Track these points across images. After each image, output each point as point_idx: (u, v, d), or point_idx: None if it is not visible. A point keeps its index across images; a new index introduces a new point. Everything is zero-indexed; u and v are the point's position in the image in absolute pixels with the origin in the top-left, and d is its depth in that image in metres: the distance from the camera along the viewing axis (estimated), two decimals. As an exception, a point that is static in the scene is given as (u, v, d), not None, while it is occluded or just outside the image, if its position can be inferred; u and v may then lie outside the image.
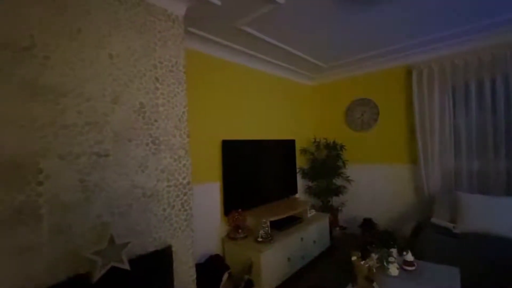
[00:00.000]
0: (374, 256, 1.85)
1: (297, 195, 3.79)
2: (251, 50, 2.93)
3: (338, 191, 3.79)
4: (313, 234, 3.06)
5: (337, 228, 3.64)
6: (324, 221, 3.35)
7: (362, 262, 1.57)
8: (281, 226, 2.81)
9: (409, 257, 1.86)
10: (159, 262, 1.63)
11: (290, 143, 3.74)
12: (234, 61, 2.98)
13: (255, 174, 3.08)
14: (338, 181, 3.84)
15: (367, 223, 3.36)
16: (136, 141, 1.58)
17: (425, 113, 3.24)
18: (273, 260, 2.44)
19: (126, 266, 1.39)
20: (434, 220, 2.76)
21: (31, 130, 1.21)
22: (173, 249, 1.72)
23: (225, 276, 2.11)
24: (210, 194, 2.62)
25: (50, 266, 1.24)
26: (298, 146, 3.88)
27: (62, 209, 1.29)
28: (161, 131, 1.71)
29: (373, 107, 3.75)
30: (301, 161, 3.95)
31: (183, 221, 1.80)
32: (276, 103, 3.59)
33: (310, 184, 3.98)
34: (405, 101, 3.48)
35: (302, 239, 2.86)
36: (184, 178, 1.81)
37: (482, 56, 2.86)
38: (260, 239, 2.47)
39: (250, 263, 2.28)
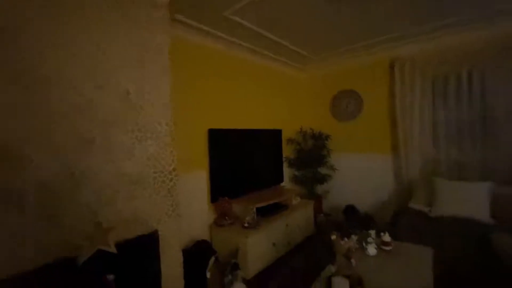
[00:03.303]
0: (354, 237, 1.96)
1: (283, 184, 3.88)
2: (238, 39, 2.93)
3: (323, 179, 3.90)
4: (298, 221, 3.16)
5: (322, 215, 3.76)
6: (309, 208, 3.46)
7: (342, 242, 1.66)
8: (267, 213, 2.89)
9: (387, 238, 1.97)
10: (146, 246, 1.66)
11: (277, 133, 3.80)
12: (222, 49, 2.97)
13: (241, 163, 3.13)
14: (323, 170, 3.95)
15: (350, 209, 3.50)
16: (122, 128, 1.59)
17: (406, 105, 3.37)
18: (259, 245, 2.52)
19: (113, 250, 1.41)
20: (411, 205, 2.91)
21: (17, 116, 1.20)
22: (160, 233, 1.75)
23: (212, 260, 2.17)
24: (196, 182, 2.65)
25: (38, 251, 1.25)
26: (284, 136, 3.94)
27: (49, 195, 1.30)
28: (147, 118, 1.71)
29: (358, 98, 3.85)
30: (287, 151, 4.02)
31: (169, 207, 1.83)
32: (263, 93, 3.62)
33: (296, 173, 4.08)
34: (388, 93, 3.59)
35: (287, 225, 2.95)
36: (170, 165, 1.84)
37: (461, 50, 2.99)
38: (246, 225, 2.54)
39: (237, 248, 2.35)
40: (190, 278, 1.98)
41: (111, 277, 1.44)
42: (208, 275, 2.12)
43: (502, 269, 1.89)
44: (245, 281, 2.22)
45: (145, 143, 1.71)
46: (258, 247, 2.51)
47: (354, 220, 3.20)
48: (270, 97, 3.76)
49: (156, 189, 1.77)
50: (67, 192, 1.36)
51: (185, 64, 2.56)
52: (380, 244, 1.97)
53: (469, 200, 2.60)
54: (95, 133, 1.47)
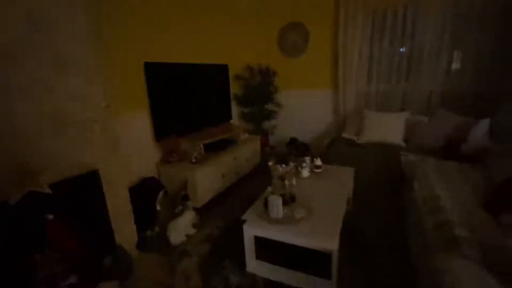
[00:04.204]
0: (292, 164, 2.19)
1: (232, 121, 3.94)
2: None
3: (269, 116, 4.05)
4: (245, 154, 3.36)
5: (268, 148, 4.04)
6: (256, 143, 3.66)
7: (279, 168, 1.86)
8: (216, 148, 2.99)
9: (318, 162, 2.26)
10: (87, 185, 1.64)
11: (223, 68, 3.66)
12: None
13: (186, 100, 3.01)
14: (270, 106, 4.07)
15: (293, 142, 3.80)
16: (35, 59, 1.37)
17: (348, 39, 3.46)
18: (208, 177, 2.66)
19: (47, 190, 1.37)
20: (344, 134, 3.28)
21: None
22: (102, 173, 1.72)
23: (161, 194, 2.26)
24: (138, 121, 2.52)
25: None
26: (231, 72, 3.83)
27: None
28: (64, 47, 1.48)
29: (304, 32, 3.80)
30: (235, 88, 3.97)
31: (108, 146, 1.76)
32: (207, 24, 3.31)
33: (245, 110, 4.13)
34: (333, 28, 3.60)
35: (235, 158, 3.13)
36: (101, 101, 1.70)
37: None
38: (194, 161, 2.62)
39: (186, 181, 2.45)
40: (140, 212, 2.07)
41: (50, 216, 1.42)
42: (158, 207, 2.23)
43: (403, 177, 2.38)
44: (196, 209, 2.40)
45: (67, 77, 1.52)
46: (207, 179, 2.66)
47: (295, 150, 3.52)
48: (216, 29, 3.46)
49: (88, 128, 1.65)
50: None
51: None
52: (313, 168, 2.25)
53: (388, 128, 3.03)
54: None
